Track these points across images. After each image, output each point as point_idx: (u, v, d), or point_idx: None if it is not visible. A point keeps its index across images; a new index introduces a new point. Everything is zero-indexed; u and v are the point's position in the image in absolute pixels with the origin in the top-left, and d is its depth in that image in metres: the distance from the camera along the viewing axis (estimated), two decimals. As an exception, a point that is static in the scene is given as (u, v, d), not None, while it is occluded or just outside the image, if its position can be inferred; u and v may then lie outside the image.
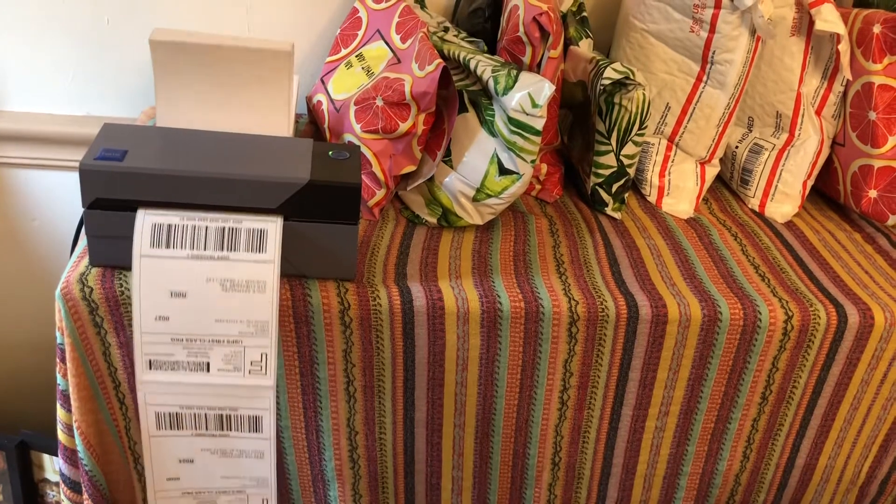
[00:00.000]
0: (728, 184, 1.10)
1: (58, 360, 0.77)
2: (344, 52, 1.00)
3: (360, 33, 1.00)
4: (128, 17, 1.12)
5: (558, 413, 0.83)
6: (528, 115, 0.80)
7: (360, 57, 0.96)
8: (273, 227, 0.71)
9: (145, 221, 0.70)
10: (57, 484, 1.27)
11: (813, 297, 0.83)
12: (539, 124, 0.80)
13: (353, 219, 0.73)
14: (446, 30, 1.00)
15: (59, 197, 1.25)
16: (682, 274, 0.85)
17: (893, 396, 0.87)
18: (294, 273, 0.76)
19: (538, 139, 0.81)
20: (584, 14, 1.03)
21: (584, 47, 0.98)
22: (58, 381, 0.78)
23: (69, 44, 1.14)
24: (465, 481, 0.87)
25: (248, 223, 0.71)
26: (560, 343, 0.79)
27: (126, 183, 0.69)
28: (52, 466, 1.25)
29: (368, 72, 0.93)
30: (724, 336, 0.80)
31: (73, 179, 1.23)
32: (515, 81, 0.81)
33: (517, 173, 0.83)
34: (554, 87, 0.80)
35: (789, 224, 1.00)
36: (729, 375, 0.83)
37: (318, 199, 0.72)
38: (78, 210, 1.26)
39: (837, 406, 0.87)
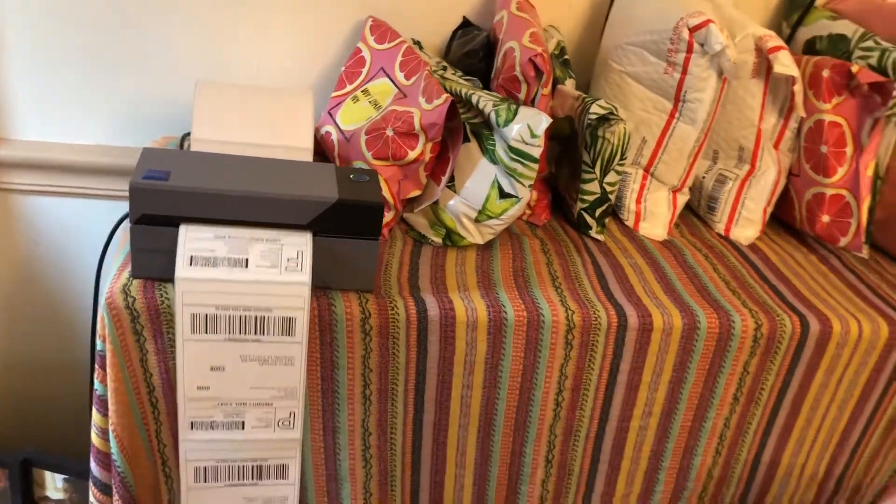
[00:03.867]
0: (696, 211, 1.20)
1: (97, 367, 0.83)
2: (349, 87, 1.09)
3: (365, 71, 1.09)
4: (142, 53, 1.18)
5: (553, 413, 0.91)
6: (527, 144, 0.89)
7: (366, 92, 1.05)
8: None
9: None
10: (56, 502, 1.30)
11: (779, 308, 0.93)
12: (537, 153, 0.90)
13: (375, 234, 0.81)
14: (445, 69, 1.10)
15: (68, 223, 1.29)
16: (662, 288, 0.94)
17: (847, 399, 0.98)
18: (320, 285, 0.83)
19: (536, 166, 0.91)
20: (567, 57, 1.14)
21: (570, 86, 1.08)
22: (95, 387, 0.84)
23: (84, 75, 1.19)
24: (467, 478, 0.95)
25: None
26: (557, 349, 0.87)
27: (171, 200, 0.76)
28: (53, 484, 1.28)
29: (375, 105, 1.02)
30: (702, 343, 0.90)
31: (85, 206, 1.27)
32: (515, 114, 0.90)
33: (516, 197, 0.92)
34: (551, 120, 0.89)
35: (752, 246, 1.11)
36: (706, 378, 0.92)
37: (344, 217, 0.80)
38: (86, 235, 1.30)
39: (799, 407, 0.97)
